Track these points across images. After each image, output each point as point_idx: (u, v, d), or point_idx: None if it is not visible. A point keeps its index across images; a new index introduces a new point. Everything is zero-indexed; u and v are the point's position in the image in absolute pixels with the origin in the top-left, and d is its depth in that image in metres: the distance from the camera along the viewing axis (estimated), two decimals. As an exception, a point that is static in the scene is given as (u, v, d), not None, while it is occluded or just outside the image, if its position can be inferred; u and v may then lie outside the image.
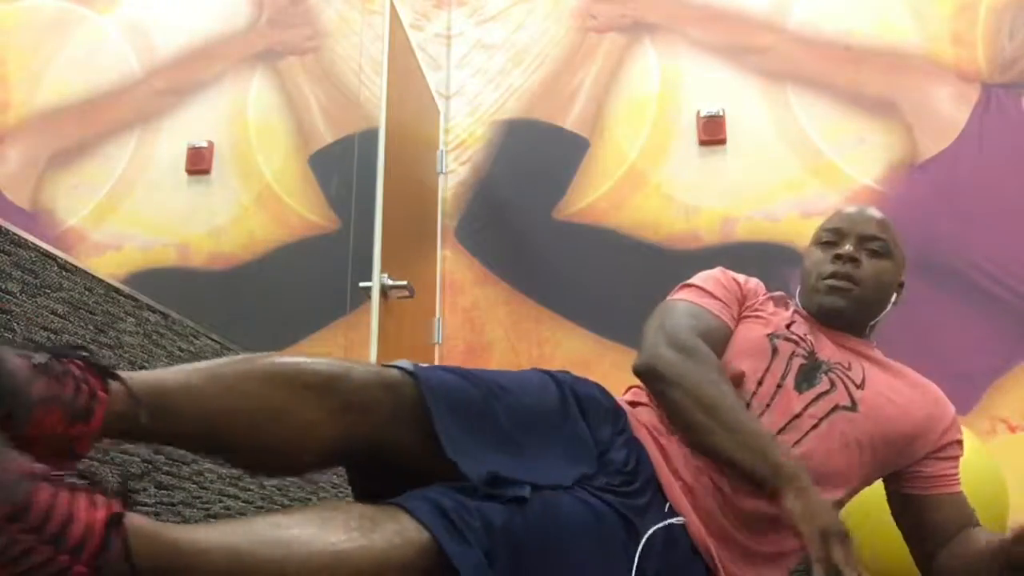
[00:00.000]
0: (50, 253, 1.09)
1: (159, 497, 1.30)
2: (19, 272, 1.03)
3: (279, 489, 1.70)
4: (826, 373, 1.24)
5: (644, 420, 1.17)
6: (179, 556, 0.75)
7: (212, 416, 0.89)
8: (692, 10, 3.27)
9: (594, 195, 3.14)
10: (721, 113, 3.12)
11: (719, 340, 1.25)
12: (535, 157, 3.24)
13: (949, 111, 3.00)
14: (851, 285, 1.28)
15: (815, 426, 1.18)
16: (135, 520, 0.74)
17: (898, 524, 1.30)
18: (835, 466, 1.18)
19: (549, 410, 1.05)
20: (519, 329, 3.06)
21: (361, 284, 2.42)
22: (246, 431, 0.90)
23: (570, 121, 3.25)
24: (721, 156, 3.11)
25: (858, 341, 1.32)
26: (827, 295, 1.29)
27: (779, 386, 1.21)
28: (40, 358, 0.78)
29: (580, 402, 1.10)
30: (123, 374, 0.84)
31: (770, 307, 1.33)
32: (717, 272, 1.38)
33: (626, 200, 3.11)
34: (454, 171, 3.29)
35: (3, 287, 1.00)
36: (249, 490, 1.58)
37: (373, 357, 2.25)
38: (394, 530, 0.83)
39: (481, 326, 3.09)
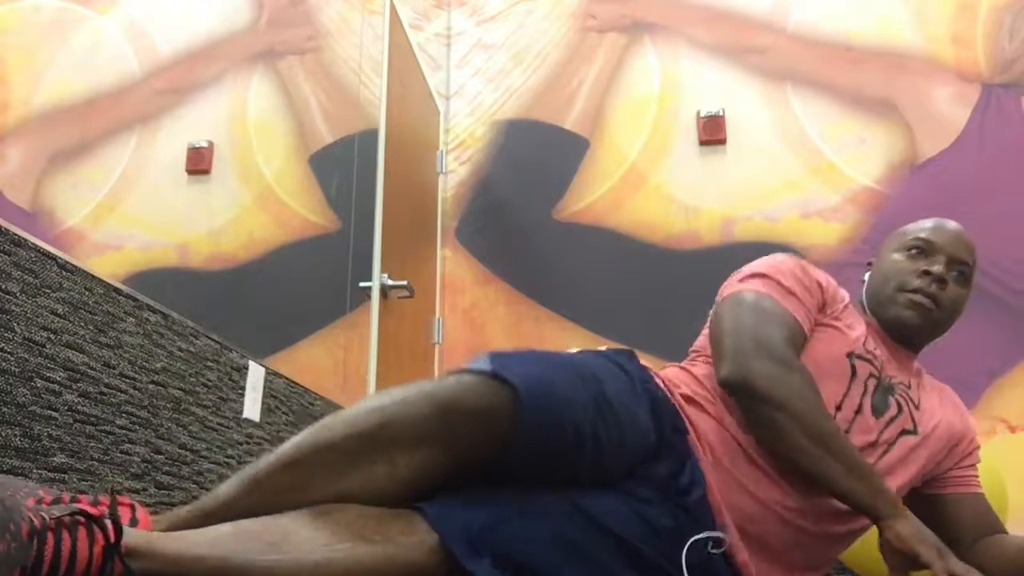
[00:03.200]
0: (50, 253, 1.09)
1: (159, 497, 1.30)
2: (19, 272, 1.03)
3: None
4: (893, 395, 1.22)
5: (703, 430, 1.12)
6: (175, 566, 0.77)
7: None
8: (692, 10, 3.27)
9: (594, 195, 3.14)
10: (721, 113, 3.12)
11: (799, 349, 1.16)
12: (535, 157, 3.24)
13: (949, 111, 3.00)
14: (933, 305, 1.23)
15: (886, 451, 1.18)
16: (131, 540, 0.77)
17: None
18: (894, 486, 1.19)
19: (638, 450, 1.01)
20: (519, 329, 3.06)
21: (361, 284, 2.42)
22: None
23: (570, 121, 3.25)
24: (721, 156, 3.11)
25: (912, 356, 1.31)
26: (906, 309, 1.24)
27: (857, 412, 1.18)
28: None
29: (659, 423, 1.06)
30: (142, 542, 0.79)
31: (848, 317, 1.25)
32: (794, 265, 1.24)
33: (626, 200, 3.11)
34: (454, 171, 3.29)
35: (3, 287, 1.00)
36: None
37: (373, 357, 2.25)
38: (399, 529, 0.84)
39: (481, 326, 3.09)
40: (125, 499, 0.88)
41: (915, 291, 1.24)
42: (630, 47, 3.28)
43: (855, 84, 3.07)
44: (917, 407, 1.24)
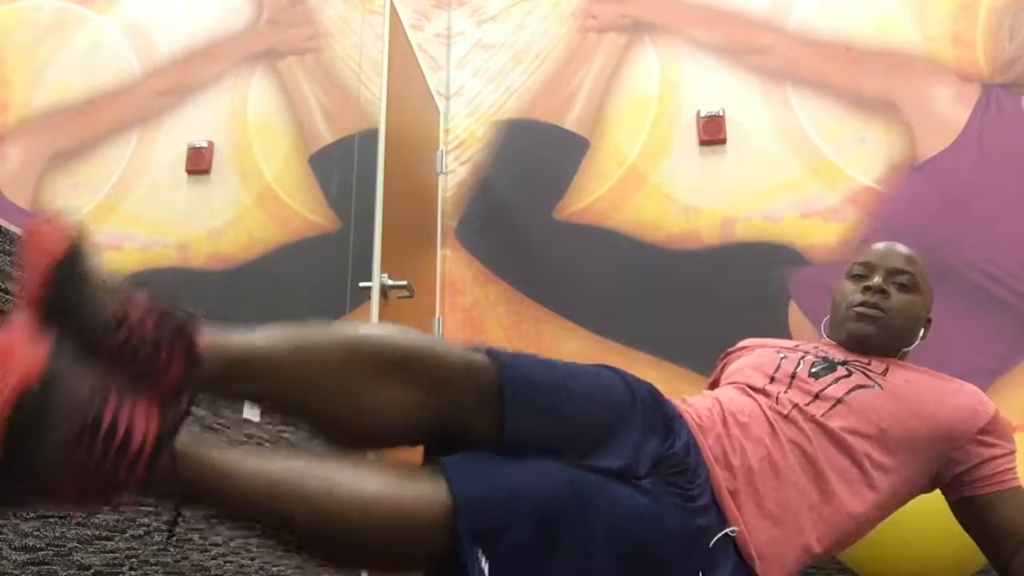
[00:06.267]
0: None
1: (159, 497, 1.30)
2: (19, 272, 1.03)
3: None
4: (842, 365, 1.27)
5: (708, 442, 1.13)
6: (221, 478, 0.80)
7: (292, 386, 0.91)
8: (692, 10, 3.27)
9: (594, 195, 3.14)
10: (721, 113, 3.12)
11: None
12: (535, 157, 3.24)
13: (949, 111, 2.99)
14: (879, 313, 1.33)
15: (836, 405, 1.19)
16: (182, 439, 0.80)
17: (970, 534, 1.28)
18: (856, 430, 1.17)
19: (615, 413, 1.04)
20: (519, 329, 3.06)
21: (361, 284, 2.42)
22: (324, 405, 0.92)
23: (570, 121, 3.25)
24: (721, 156, 3.11)
25: (884, 359, 1.33)
26: (856, 322, 1.34)
27: (792, 376, 1.24)
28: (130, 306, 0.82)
29: (644, 409, 1.08)
30: (208, 336, 0.86)
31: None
32: None
33: (626, 200, 3.11)
34: (454, 171, 3.29)
35: (3, 287, 1.00)
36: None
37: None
38: (430, 487, 0.85)
39: (481, 326, 3.09)
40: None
41: (860, 304, 1.34)
42: (630, 47, 3.28)
43: (855, 84, 3.07)
44: (882, 374, 1.26)
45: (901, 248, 1.40)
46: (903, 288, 1.35)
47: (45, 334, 0.77)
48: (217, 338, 0.88)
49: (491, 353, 0.97)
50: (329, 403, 0.92)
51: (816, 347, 1.36)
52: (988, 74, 3.01)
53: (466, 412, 0.95)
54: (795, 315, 2.81)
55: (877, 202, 2.95)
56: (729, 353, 1.48)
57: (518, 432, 0.94)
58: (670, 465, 1.01)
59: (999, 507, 1.22)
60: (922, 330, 1.38)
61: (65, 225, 0.85)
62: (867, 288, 1.34)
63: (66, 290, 0.80)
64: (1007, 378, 2.72)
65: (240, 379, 0.89)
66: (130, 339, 0.81)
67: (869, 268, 1.38)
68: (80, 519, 1.10)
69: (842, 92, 3.08)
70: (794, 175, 3.03)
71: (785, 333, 2.75)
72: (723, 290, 2.89)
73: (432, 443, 1.01)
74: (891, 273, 1.35)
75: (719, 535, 1.01)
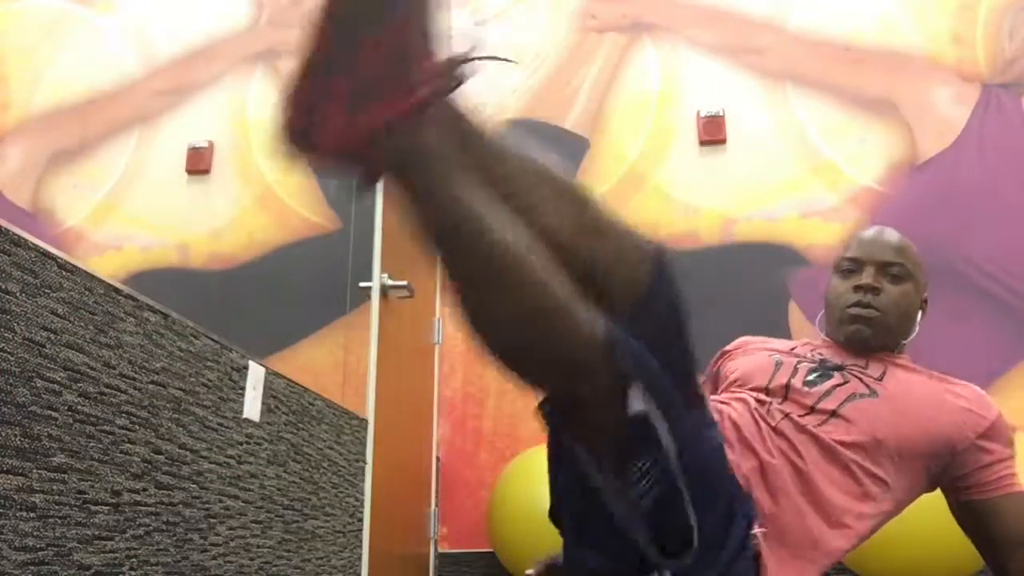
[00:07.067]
0: (50, 253, 1.09)
1: (159, 497, 1.30)
2: (19, 272, 1.03)
3: (279, 489, 1.70)
4: (838, 371, 1.26)
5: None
6: (460, 176, 0.85)
7: (498, 176, 0.91)
8: (692, 10, 3.27)
9: (594, 195, 3.14)
10: (721, 113, 3.12)
11: None
12: (535, 157, 3.24)
13: (949, 111, 3.00)
14: (874, 312, 1.31)
15: (831, 416, 1.19)
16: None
17: (969, 538, 1.28)
18: (855, 439, 1.17)
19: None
20: (519, 329, 3.05)
21: (361, 284, 2.42)
22: (538, 205, 0.91)
23: (570, 121, 3.25)
24: (721, 156, 3.11)
25: (882, 356, 1.33)
26: (851, 324, 1.32)
27: (787, 387, 1.23)
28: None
29: None
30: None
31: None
32: None
33: (626, 200, 3.11)
34: (454, 171, 3.28)
35: (3, 287, 1.01)
36: (249, 490, 1.58)
37: (373, 357, 2.25)
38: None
39: (481, 326, 3.08)
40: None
41: (853, 306, 1.33)
42: (630, 47, 3.28)
43: (855, 84, 3.07)
44: (879, 379, 1.26)
45: (889, 236, 1.37)
46: (895, 279, 1.33)
47: None
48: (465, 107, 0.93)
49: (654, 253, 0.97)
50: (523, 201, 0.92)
51: (813, 349, 1.36)
52: (988, 74, 3.02)
53: (609, 276, 0.93)
54: (795, 315, 2.81)
55: (877, 202, 2.95)
56: (725, 352, 1.47)
57: (649, 312, 0.93)
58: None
59: (998, 512, 1.22)
60: (919, 314, 1.37)
61: None
62: (858, 287, 1.33)
63: None
64: (1007, 378, 2.72)
65: (474, 149, 0.90)
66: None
67: (858, 264, 1.35)
68: (80, 519, 1.10)
69: (842, 92, 3.08)
70: (794, 175, 3.03)
71: (785, 333, 2.75)
72: (723, 290, 2.89)
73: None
74: (881, 267, 1.33)
75: (752, 531, 1.01)
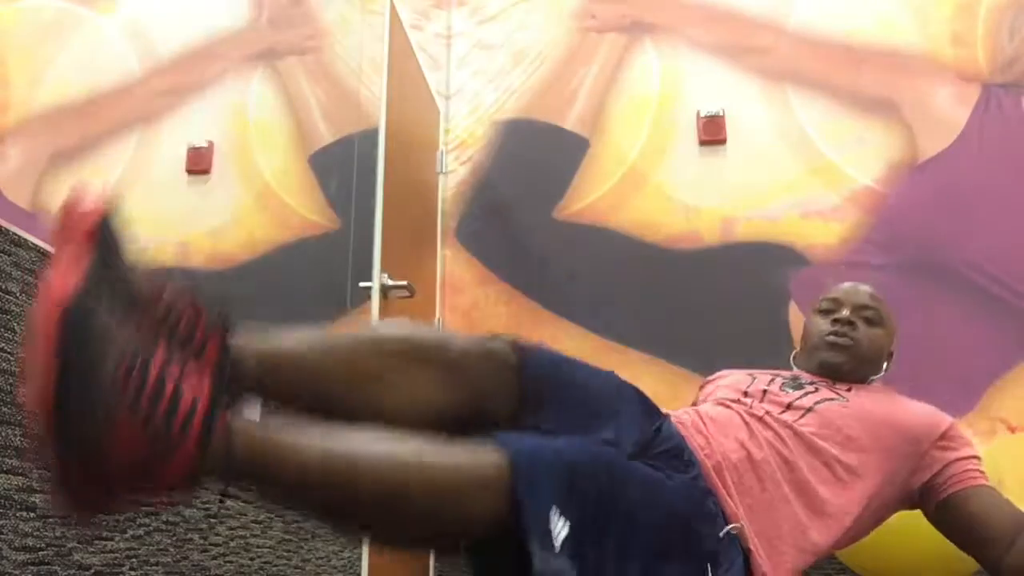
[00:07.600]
0: (50, 253, 1.09)
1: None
2: (19, 272, 1.03)
3: (279, 489, 1.70)
4: (810, 384, 1.36)
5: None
6: (273, 447, 0.79)
7: (319, 383, 0.93)
8: (692, 10, 3.27)
9: (594, 195, 3.14)
10: (721, 113, 3.12)
11: None
12: (535, 157, 3.24)
13: (949, 111, 2.99)
14: (849, 341, 1.42)
15: (807, 413, 1.26)
16: (229, 415, 0.78)
17: (956, 542, 1.30)
18: (828, 443, 1.23)
19: (616, 394, 1.10)
20: (519, 329, 3.05)
21: (361, 284, 2.42)
22: (347, 398, 0.93)
23: (570, 121, 3.24)
24: (721, 156, 3.11)
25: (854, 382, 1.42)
26: (827, 350, 1.43)
27: (765, 391, 1.32)
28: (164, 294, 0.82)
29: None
30: (241, 337, 0.88)
31: None
32: None
33: (626, 200, 3.11)
34: (454, 171, 3.29)
35: (3, 287, 1.01)
36: (249, 490, 1.58)
37: (373, 357, 2.24)
38: (482, 448, 0.85)
39: (481, 326, 3.08)
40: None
41: (831, 334, 1.44)
42: (630, 47, 3.28)
43: (855, 84, 3.07)
44: (846, 392, 1.35)
45: (865, 287, 1.51)
46: (869, 322, 1.45)
47: (85, 266, 0.76)
48: (246, 335, 0.90)
49: (504, 338, 1.04)
50: (352, 396, 0.93)
51: (788, 373, 1.45)
52: (988, 74, 3.01)
53: (485, 396, 0.99)
54: (795, 315, 2.81)
55: (877, 202, 2.95)
56: (707, 382, 1.56)
57: (537, 401, 0.99)
58: (666, 449, 1.05)
59: (973, 503, 1.25)
60: (885, 363, 1.47)
61: (103, 200, 0.84)
62: (836, 320, 1.44)
63: (106, 256, 0.80)
64: (1006, 378, 2.71)
65: (268, 374, 0.90)
66: (169, 313, 0.80)
67: (837, 304, 1.47)
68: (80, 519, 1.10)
69: (842, 92, 3.08)
70: (794, 175, 3.03)
71: (785, 333, 2.75)
72: (723, 290, 2.89)
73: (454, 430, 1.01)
74: (857, 308, 1.45)
75: (727, 528, 1.05)
